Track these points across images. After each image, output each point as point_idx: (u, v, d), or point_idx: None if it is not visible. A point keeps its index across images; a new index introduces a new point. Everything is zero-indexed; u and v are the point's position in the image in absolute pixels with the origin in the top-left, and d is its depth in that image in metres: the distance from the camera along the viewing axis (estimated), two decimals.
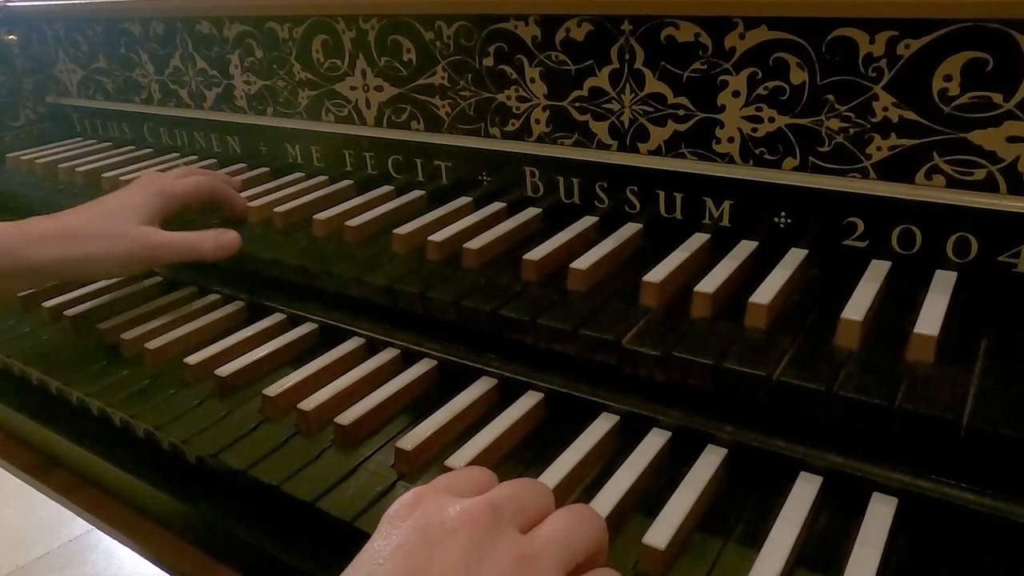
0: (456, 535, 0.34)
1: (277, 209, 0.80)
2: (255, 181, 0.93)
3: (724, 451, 0.52)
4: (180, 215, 0.80)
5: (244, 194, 0.87)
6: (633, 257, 0.66)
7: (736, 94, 0.61)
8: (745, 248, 0.63)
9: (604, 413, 0.56)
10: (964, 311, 0.52)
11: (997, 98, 0.51)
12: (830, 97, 0.57)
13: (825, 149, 0.59)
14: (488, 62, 0.73)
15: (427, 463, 0.55)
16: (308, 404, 0.59)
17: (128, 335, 0.73)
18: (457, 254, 0.68)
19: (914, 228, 0.57)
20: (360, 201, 0.82)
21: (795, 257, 0.60)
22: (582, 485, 0.52)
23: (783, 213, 0.62)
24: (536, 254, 0.64)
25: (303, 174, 0.92)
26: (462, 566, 0.33)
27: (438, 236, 0.69)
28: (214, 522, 0.59)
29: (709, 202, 0.65)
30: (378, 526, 0.36)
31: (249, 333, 0.72)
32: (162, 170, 0.93)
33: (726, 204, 0.64)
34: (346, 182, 0.88)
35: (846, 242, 0.59)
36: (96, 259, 0.70)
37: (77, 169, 1.03)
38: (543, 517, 0.38)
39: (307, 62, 0.87)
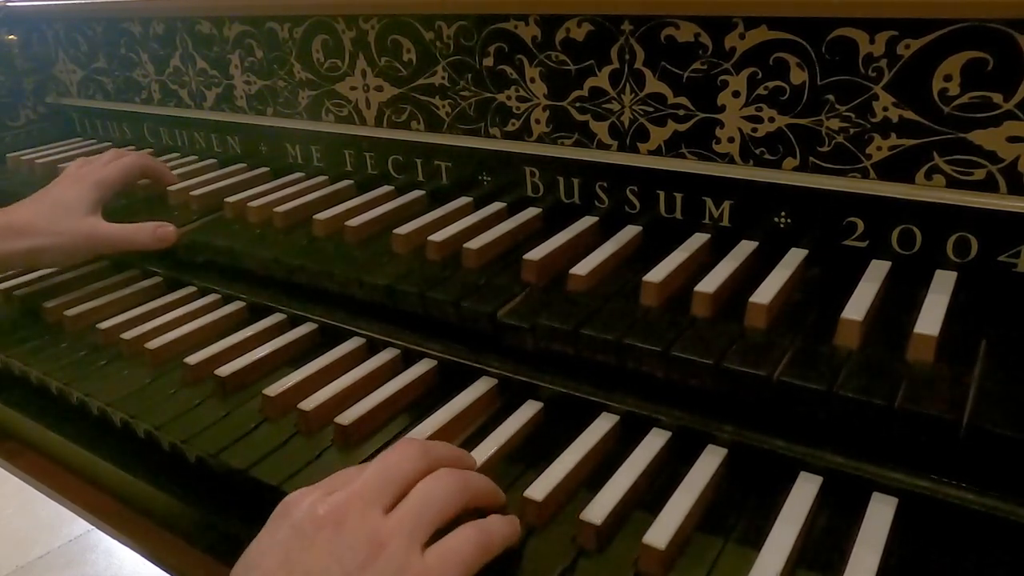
0: (323, 530, 0.40)
1: (277, 209, 0.80)
2: (255, 181, 0.93)
3: (724, 451, 0.52)
4: (118, 198, 0.85)
5: (244, 194, 0.87)
6: (633, 257, 0.66)
7: (736, 94, 0.61)
8: (745, 248, 0.63)
9: (604, 413, 0.56)
10: (964, 311, 0.52)
11: (997, 98, 0.51)
12: (830, 97, 0.57)
13: (825, 149, 0.59)
14: (488, 62, 0.73)
15: None
16: (308, 404, 0.60)
17: (128, 335, 0.73)
18: (457, 254, 0.68)
19: (914, 228, 0.57)
20: (360, 201, 0.82)
21: (795, 257, 0.60)
22: (582, 485, 0.52)
23: (783, 213, 0.62)
24: (536, 254, 0.64)
25: (303, 174, 0.92)
26: (328, 558, 0.39)
27: (438, 236, 0.69)
28: (214, 522, 0.59)
29: (709, 202, 0.65)
30: (268, 521, 0.42)
31: (249, 333, 0.72)
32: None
33: (726, 204, 0.64)
34: (346, 182, 0.88)
35: (846, 242, 0.59)
36: (42, 251, 0.76)
37: None
38: (413, 484, 0.44)
39: (307, 62, 0.87)
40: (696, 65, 0.62)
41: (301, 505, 0.42)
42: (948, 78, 0.52)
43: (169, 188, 0.91)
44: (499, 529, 0.44)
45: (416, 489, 0.44)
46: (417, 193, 0.82)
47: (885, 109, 0.55)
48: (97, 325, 0.76)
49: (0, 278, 0.89)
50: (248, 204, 0.83)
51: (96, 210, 0.80)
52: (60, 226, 0.76)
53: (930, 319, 0.50)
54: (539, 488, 0.49)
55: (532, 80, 0.71)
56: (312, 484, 0.53)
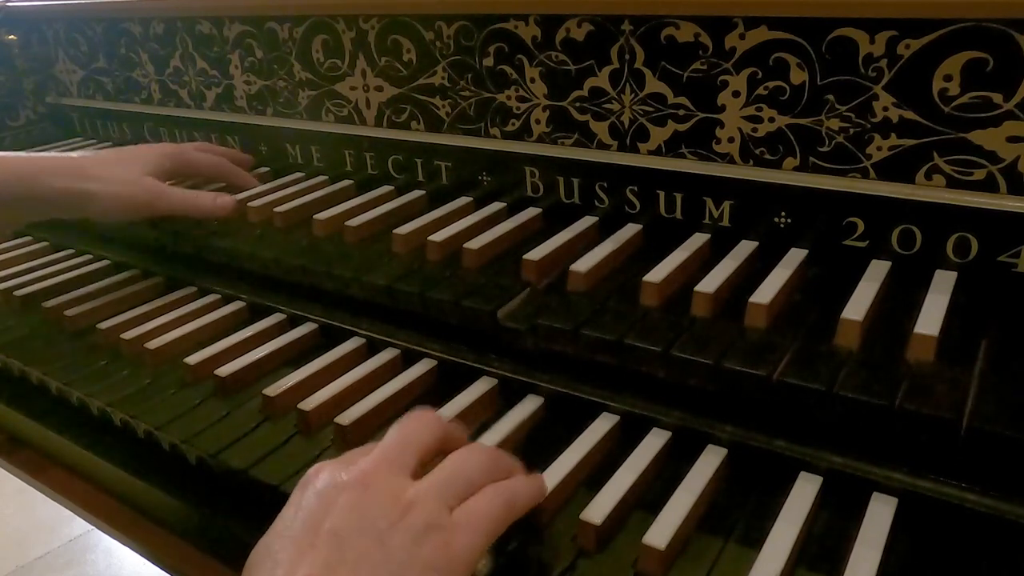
0: (347, 491, 0.40)
1: (277, 209, 0.80)
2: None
3: (724, 451, 0.52)
4: (185, 182, 0.85)
5: (245, 194, 0.87)
6: (633, 257, 0.66)
7: (736, 94, 0.61)
8: (745, 248, 0.63)
9: (604, 413, 0.56)
10: (964, 311, 0.52)
11: (997, 98, 0.51)
12: (830, 97, 0.57)
13: (825, 149, 0.59)
14: (488, 62, 0.73)
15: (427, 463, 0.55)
16: (308, 404, 0.60)
17: (128, 335, 0.73)
18: (457, 254, 0.68)
19: (914, 228, 0.57)
20: (360, 201, 0.82)
21: (795, 257, 0.60)
22: (582, 485, 0.52)
23: (783, 213, 0.62)
24: (536, 254, 0.64)
25: (303, 174, 0.92)
26: (354, 515, 0.39)
27: (438, 236, 0.69)
28: (214, 522, 0.59)
29: (709, 202, 0.65)
30: (290, 498, 0.42)
31: (249, 333, 0.72)
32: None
33: (726, 204, 0.64)
34: (346, 182, 0.88)
35: (846, 242, 0.59)
36: (99, 196, 0.75)
37: None
38: (436, 451, 0.45)
39: (307, 62, 0.87)
40: (696, 65, 0.62)
41: (322, 474, 0.41)
42: (948, 78, 0.52)
43: None
44: (523, 487, 0.45)
45: (450, 459, 0.44)
46: (417, 193, 0.82)
47: (885, 109, 0.55)
48: (97, 325, 0.76)
49: (1, 277, 0.89)
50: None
51: (163, 177, 0.80)
52: (123, 176, 0.76)
53: (930, 319, 0.50)
54: None
55: (532, 80, 0.71)
56: None
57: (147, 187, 0.77)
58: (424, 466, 0.44)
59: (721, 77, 0.61)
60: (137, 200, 0.76)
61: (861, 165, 0.58)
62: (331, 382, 0.63)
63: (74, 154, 0.80)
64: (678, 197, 0.66)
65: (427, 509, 0.40)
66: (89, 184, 0.75)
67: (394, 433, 0.45)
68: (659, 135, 0.66)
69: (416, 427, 0.45)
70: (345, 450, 0.56)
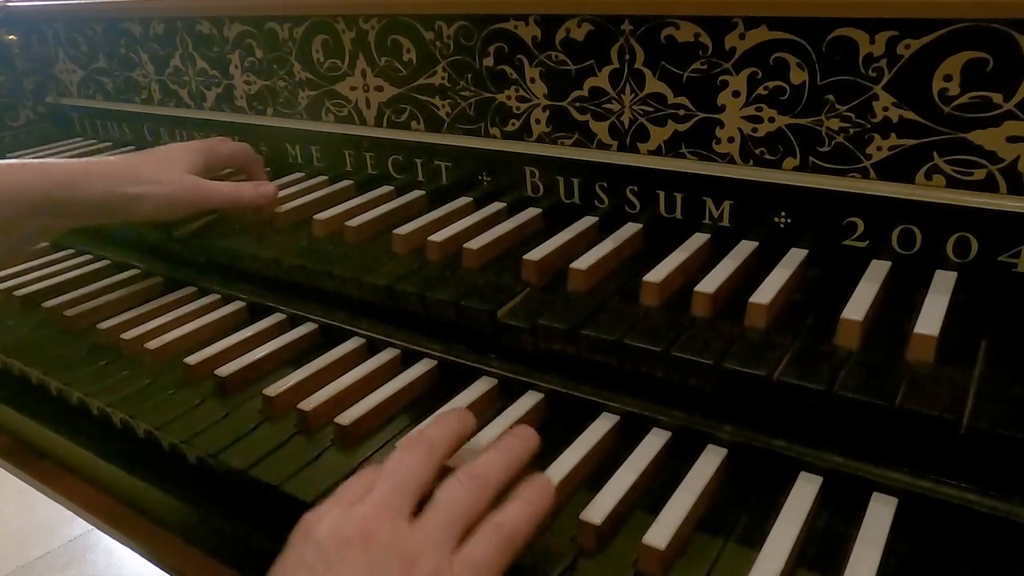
0: (350, 548, 0.39)
1: (278, 209, 0.80)
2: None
3: (724, 451, 0.52)
4: (217, 175, 0.85)
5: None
6: (633, 257, 0.66)
7: (736, 94, 0.61)
8: (745, 248, 0.63)
9: (604, 413, 0.56)
10: (964, 311, 0.52)
11: (997, 98, 0.51)
12: (830, 97, 0.57)
13: (825, 149, 0.59)
14: (488, 62, 0.73)
15: None
16: (308, 404, 0.60)
17: (128, 335, 0.73)
18: (457, 254, 0.68)
19: (914, 228, 0.57)
20: (360, 201, 0.82)
21: (795, 257, 0.60)
22: (582, 485, 0.52)
23: (783, 213, 0.62)
24: (536, 254, 0.64)
25: (303, 174, 0.92)
26: None
27: (438, 236, 0.69)
28: (214, 522, 0.59)
29: (709, 202, 0.65)
30: (288, 542, 0.41)
31: (249, 333, 0.72)
32: None
33: (726, 204, 0.64)
34: (346, 182, 0.88)
35: (846, 242, 0.59)
36: (147, 198, 0.76)
37: None
38: (430, 484, 0.44)
39: (307, 62, 0.87)
40: (696, 65, 0.62)
41: (323, 524, 0.40)
42: (948, 78, 0.52)
43: None
44: (524, 519, 0.43)
45: (441, 495, 0.43)
46: (417, 193, 0.82)
47: (885, 109, 0.55)
48: (97, 325, 0.76)
49: (1, 277, 0.89)
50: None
51: (200, 173, 0.80)
52: (165, 176, 0.77)
53: (930, 319, 0.50)
54: None
55: (532, 80, 0.71)
56: (316, 489, 0.53)
57: (190, 185, 0.78)
58: (415, 510, 0.43)
59: (721, 77, 0.61)
60: (183, 199, 0.77)
61: (861, 165, 0.58)
62: (331, 382, 0.62)
63: (118, 157, 0.80)
64: (678, 197, 0.66)
65: (429, 564, 0.39)
66: (137, 187, 0.75)
67: (390, 473, 0.44)
68: (659, 135, 0.66)
69: (410, 463, 0.44)
70: (344, 449, 0.57)
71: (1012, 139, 0.52)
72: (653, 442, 0.53)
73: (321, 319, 0.72)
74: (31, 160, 0.76)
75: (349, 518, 0.40)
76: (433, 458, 0.45)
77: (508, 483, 0.46)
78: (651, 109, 0.65)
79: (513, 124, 0.74)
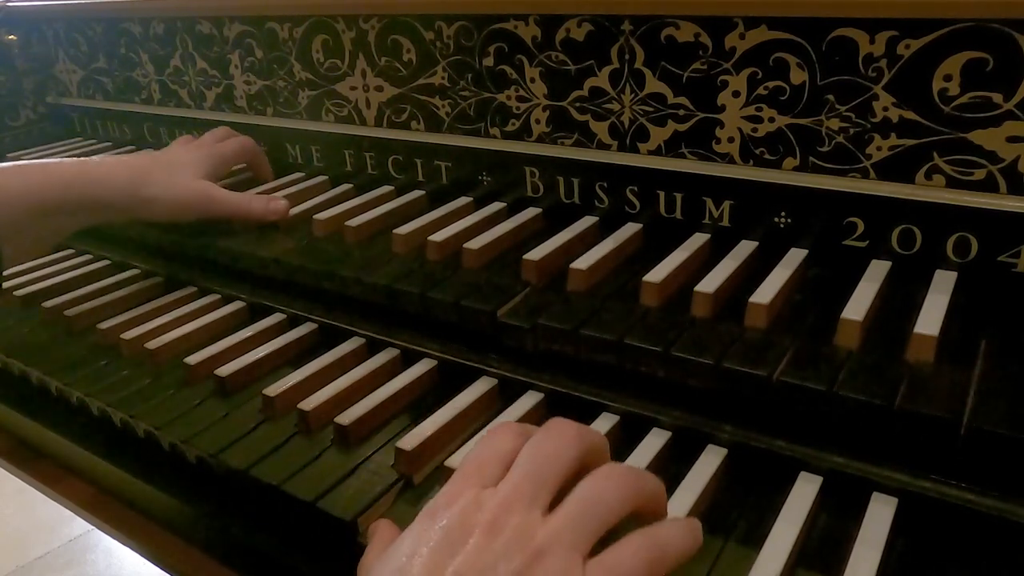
0: (475, 535, 0.36)
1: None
2: (255, 181, 0.93)
3: (724, 451, 0.52)
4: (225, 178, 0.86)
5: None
6: (633, 257, 0.66)
7: (736, 94, 0.61)
8: (745, 248, 0.63)
9: (604, 413, 0.56)
10: (964, 311, 0.52)
11: (997, 98, 0.51)
12: (830, 97, 0.57)
13: (825, 149, 0.59)
14: (488, 62, 0.73)
15: (427, 463, 0.55)
16: (308, 404, 0.59)
17: (128, 335, 0.73)
18: (457, 254, 0.68)
19: (914, 228, 0.57)
20: (360, 201, 0.82)
21: (795, 257, 0.60)
22: None
23: (783, 213, 0.62)
24: (536, 254, 0.64)
25: (303, 174, 0.92)
26: (480, 564, 0.35)
27: (438, 236, 0.69)
28: (214, 522, 0.59)
29: (709, 202, 0.65)
30: (415, 521, 0.38)
31: (249, 333, 0.72)
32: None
33: (726, 204, 0.64)
34: (346, 182, 0.88)
35: (846, 242, 0.60)
36: (157, 200, 0.77)
37: None
38: (570, 475, 0.39)
39: (307, 62, 0.87)
40: (696, 65, 0.62)
41: (453, 508, 0.38)
42: (948, 78, 0.52)
43: None
44: (675, 539, 0.38)
45: (582, 489, 0.38)
46: (417, 193, 0.82)
47: (885, 109, 0.55)
48: (97, 325, 0.76)
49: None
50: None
51: (209, 177, 0.81)
52: (180, 181, 0.77)
53: (930, 319, 0.50)
54: None
55: (532, 80, 0.71)
56: (316, 489, 0.53)
57: (203, 192, 0.78)
58: (550, 505, 0.38)
59: (721, 77, 0.61)
60: (194, 205, 0.78)
61: (861, 165, 0.58)
62: (331, 382, 0.62)
63: (126, 158, 0.81)
64: (678, 197, 0.66)
65: (558, 562, 0.35)
66: (149, 189, 0.76)
67: (531, 460, 0.39)
68: (659, 135, 0.66)
69: (555, 451, 0.40)
70: (344, 449, 0.57)
71: (1012, 139, 0.52)
72: (653, 442, 0.53)
73: (321, 319, 0.72)
74: (38, 161, 0.77)
75: (481, 505, 0.37)
76: (579, 450, 0.40)
77: (653, 506, 0.40)
78: (651, 109, 0.65)
79: (513, 124, 0.74)
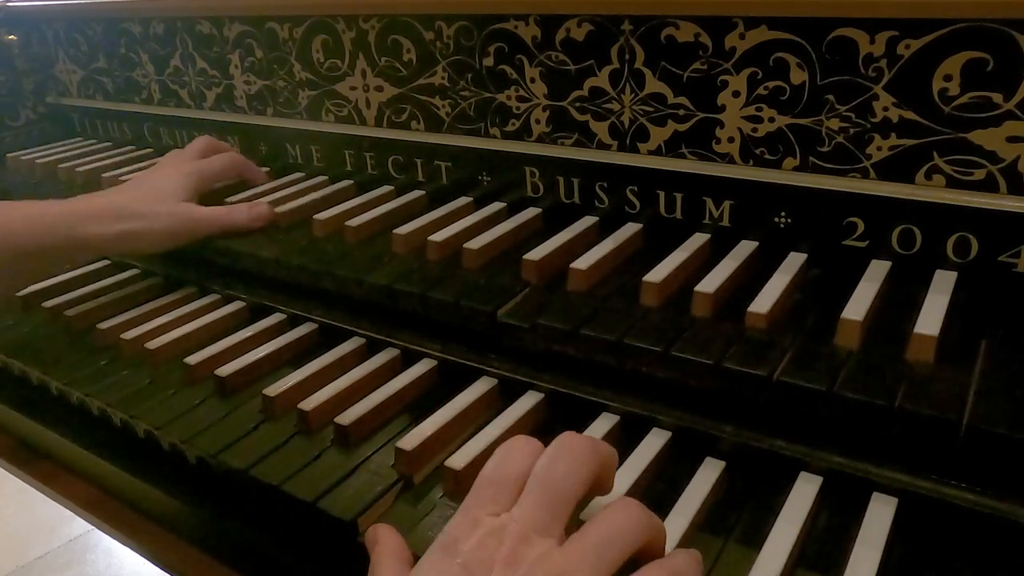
0: (496, 572, 0.35)
1: (277, 209, 0.80)
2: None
3: (723, 451, 0.52)
4: (212, 187, 0.86)
5: (245, 194, 0.87)
6: (633, 257, 0.66)
7: (736, 94, 0.61)
8: (745, 248, 0.63)
9: (604, 413, 0.56)
10: (964, 311, 0.52)
11: (997, 98, 0.51)
12: (830, 97, 0.57)
13: (825, 149, 0.59)
14: (488, 62, 0.73)
15: (427, 463, 0.55)
16: (308, 404, 0.59)
17: (128, 335, 0.73)
18: (457, 254, 0.68)
19: (914, 228, 0.57)
20: (360, 201, 0.82)
21: (795, 257, 0.60)
22: None
23: (783, 213, 0.62)
24: (536, 254, 0.64)
25: (303, 174, 0.92)
26: None
27: (438, 236, 0.69)
28: (214, 522, 0.59)
29: (709, 202, 0.65)
30: (430, 550, 0.38)
31: (249, 333, 0.72)
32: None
33: (726, 204, 0.64)
34: (346, 182, 0.88)
35: (846, 242, 0.60)
36: (141, 234, 0.76)
37: (77, 169, 1.03)
38: (582, 498, 0.39)
39: (307, 62, 0.87)
40: (696, 65, 0.62)
41: (470, 540, 0.37)
42: (948, 78, 0.52)
43: None
44: (690, 570, 0.39)
45: (601, 521, 0.38)
46: (417, 193, 0.82)
47: (885, 109, 0.55)
48: (97, 325, 0.76)
49: None
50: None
51: (192, 198, 0.80)
52: (157, 209, 0.76)
53: (930, 319, 0.50)
54: None
55: (532, 80, 0.71)
56: (316, 489, 0.53)
57: (184, 216, 0.77)
58: (564, 533, 0.38)
59: (721, 77, 0.61)
60: (178, 231, 0.77)
61: (861, 165, 0.58)
62: (331, 382, 0.62)
63: (107, 194, 0.80)
64: (678, 197, 0.66)
65: None
66: (129, 223, 0.75)
67: (544, 485, 0.39)
68: (659, 135, 0.66)
69: (568, 470, 0.39)
70: (344, 449, 0.57)
71: (1012, 139, 0.52)
72: (653, 442, 0.53)
73: (321, 319, 0.72)
74: (16, 204, 0.75)
75: (498, 537, 0.37)
76: (593, 469, 0.40)
77: (652, 542, 0.40)
78: (651, 109, 0.65)
79: (513, 124, 0.74)
